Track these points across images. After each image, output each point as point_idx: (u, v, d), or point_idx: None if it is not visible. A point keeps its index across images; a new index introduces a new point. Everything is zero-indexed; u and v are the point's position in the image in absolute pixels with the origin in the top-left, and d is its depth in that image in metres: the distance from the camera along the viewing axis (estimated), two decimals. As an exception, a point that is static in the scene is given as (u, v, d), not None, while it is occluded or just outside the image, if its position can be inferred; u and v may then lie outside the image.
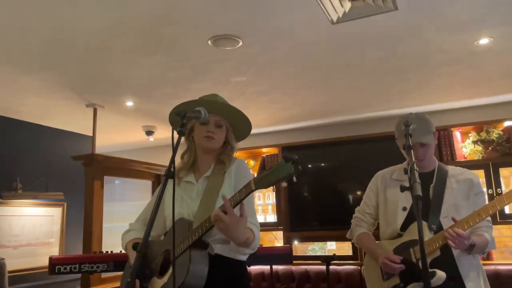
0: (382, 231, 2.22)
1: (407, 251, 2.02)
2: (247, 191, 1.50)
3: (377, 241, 2.22)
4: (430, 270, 1.91)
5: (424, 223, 1.98)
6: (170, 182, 1.35)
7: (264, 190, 5.25)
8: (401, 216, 2.10)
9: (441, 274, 1.89)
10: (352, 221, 2.37)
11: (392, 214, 2.13)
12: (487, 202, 2.11)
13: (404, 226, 2.08)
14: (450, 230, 1.89)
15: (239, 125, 1.94)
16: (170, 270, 1.61)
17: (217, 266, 1.64)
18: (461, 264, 1.99)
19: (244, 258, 1.78)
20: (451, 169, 2.18)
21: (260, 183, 1.47)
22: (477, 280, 2.01)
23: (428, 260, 1.93)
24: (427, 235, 1.96)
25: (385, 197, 2.21)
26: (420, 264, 1.93)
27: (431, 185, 2.10)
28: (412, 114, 2.14)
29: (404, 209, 2.09)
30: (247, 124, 1.93)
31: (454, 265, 1.98)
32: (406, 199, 2.08)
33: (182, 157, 1.91)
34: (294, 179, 1.37)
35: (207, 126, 1.80)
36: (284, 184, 1.46)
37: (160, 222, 1.85)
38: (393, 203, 2.15)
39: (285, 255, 3.43)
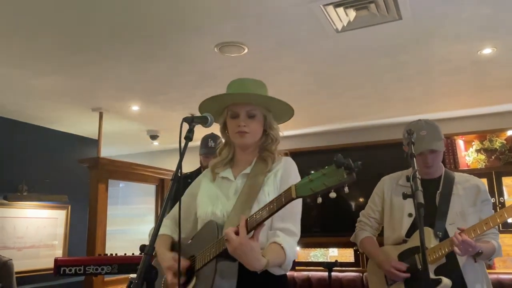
0: (387, 237, 2.22)
1: (412, 257, 2.02)
2: (286, 199, 1.21)
3: (381, 247, 2.22)
4: (436, 277, 1.92)
5: (430, 230, 2.00)
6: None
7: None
8: (407, 222, 2.10)
9: (446, 282, 1.90)
10: (356, 225, 2.36)
11: (398, 220, 2.13)
12: (492, 209, 2.13)
13: (409, 233, 2.08)
14: (458, 236, 1.89)
15: (276, 109, 1.65)
16: (194, 281, 1.42)
17: (251, 276, 1.37)
18: (466, 273, 1.99)
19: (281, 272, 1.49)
20: (457, 175, 2.18)
21: (303, 189, 1.17)
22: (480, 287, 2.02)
23: (434, 267, 1.95)
24: (433, 242, 1.97)
25: (391, 202, 2.21)
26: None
27: (438, 192, 2.10)
28: (421, 120, 2.14)
29: (410, 215, 2.09)
30: (285, 106, 1.63)
31: (459, 273, 1.98)
32: (412, 206, 2.08)
33: (219, 153, 1.70)
34: (346, 189, 1.12)
35: (237, 120, 1.57)
36: (333, 194, 1.11)
37: (189, 224, 1.65)
38: (399, 209, 2.14)
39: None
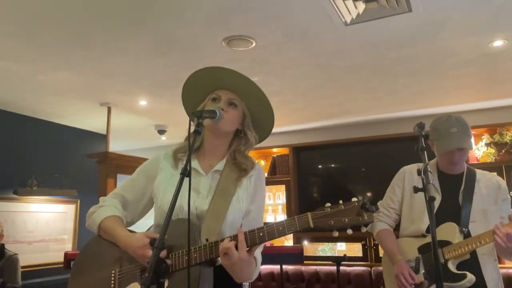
0: (404, 227, 2.19)
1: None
2: (301, 226, 1.20)
3: (399, 238, 2.19)
4: (460, 272, 1.92)
5: (455, 226, 1.99)
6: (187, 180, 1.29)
7: (273, 188, 5.28)
8: (428, 217, 2.07)
9: (471, 277, 1.89)
10: (374, 215, 2.31)
11: (419, 213, 2.11)
12: (510, 207, 2.11)
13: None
14: (501, 229, 1.87)
15: (257, 113, 1.57)
16: (166, 283, 1.30)
17: (219, 278, 1.35)
18: (485, 269, 1.98)
19: None
20: (478, 172, 2.15)
21: (321, 221, 1.20)
22: (498, 285, 2.01)
23: (456, 262, 1.96)
24: (458, 238, 1.96)
25: (411, 195, 2.17)
26: (448, 265, 1.94)
27: (461, 189, 2.08)
28: (451, 116, 2.07)
29: None
30: (267, 112, 1.56)
31: (479, 269, 1.97)
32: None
33: (186, 139, 1.59)
34: (364, 229, 1.19)
35: (217, 103, 1.52)
36: (350, 231, 1.17)
37: (139, 207, 1.57)
38: (421, 202, 2.09)
39: (296, 255, 3.44)
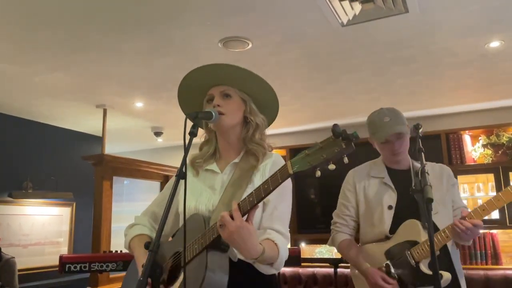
0: (364, 233, 2.07)
1: (402, 253, 1.88)
2: (283, 176, 1.15)
3: (363, 245, 2.07)
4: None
5: (417, 222, 1.88)
6: (184, 180, 1.27)
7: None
8: (388, 216, 1.97)
9: (447, 276, 1.79)
10: (332, 227, 2.19)
11: (377, 214, 2.00)
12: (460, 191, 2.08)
13: (393, 227, 1.95)
14: (459, 224, 1.75)
15: (254, 91, 1.56)
16: (181, 278, 1.32)
17: (239, 274, 1.31)
18: (454, 262, 1.92)
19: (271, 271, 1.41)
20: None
21: (301, 164, 1.12)
22: (463, 279, 1.96)
23: (427, 261, 1.84)
24: (423, 235, 1.84)
25: (365, 196, 2.07)
26: (421, 267, 1.83)
27: (413, 184, 1.94)
28: (383, 108, 2.05)
29: (390, 207, 1.97)
30: (267, 91, 1.56)
31: (451, 263, 1.90)
32: (390, 197, 1.98)
33: (200, 149, 1.64)
34: (346, 159, 1.09)
35: (212, 103, 1.52)
36: (332, 166, 1.07)
37: (169, 221, 1.57)
38: (377, 202, 2.01)
39: (293, 257, 3.42)
